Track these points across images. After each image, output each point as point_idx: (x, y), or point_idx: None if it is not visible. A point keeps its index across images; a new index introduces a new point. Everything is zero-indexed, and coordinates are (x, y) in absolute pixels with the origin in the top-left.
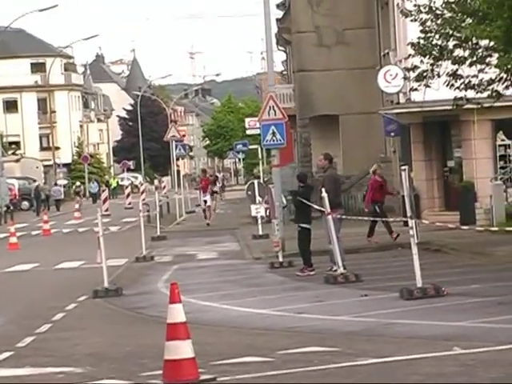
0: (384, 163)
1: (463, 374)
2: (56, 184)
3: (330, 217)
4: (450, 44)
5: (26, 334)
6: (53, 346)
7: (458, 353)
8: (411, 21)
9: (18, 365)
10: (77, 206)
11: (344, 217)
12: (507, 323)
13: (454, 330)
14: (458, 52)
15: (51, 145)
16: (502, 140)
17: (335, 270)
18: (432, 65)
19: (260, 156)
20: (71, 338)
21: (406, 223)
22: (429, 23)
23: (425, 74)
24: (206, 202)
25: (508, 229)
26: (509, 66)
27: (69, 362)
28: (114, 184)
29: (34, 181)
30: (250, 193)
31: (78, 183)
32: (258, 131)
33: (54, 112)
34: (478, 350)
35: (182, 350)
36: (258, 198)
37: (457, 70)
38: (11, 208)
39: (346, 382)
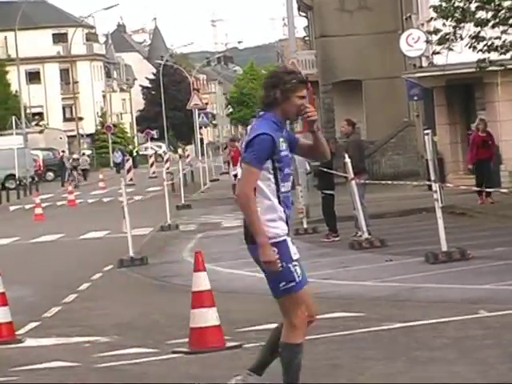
0: (408, 127)
1: (489, 337)
2: (83, 154)
3: (353, 182)
4: (473, 6)
5: (53, 304)
6: (79, 316)
7: (483, 316)
8: None
9: (45, 335)
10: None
11: (368, 182)
12: None
13: (480, 293)
14: (481, 14)
15: (74, 115)
16: None
17: (360, 236)
18: (454, 27)
19: None
20: (97, 307)
21: (430, 187)
22: None
23: (447, 36)
24: (236, 176)
25: None
26: None
27: (95, 332)
28: (133, 153)
29: (63, 151)
30: None
31: (75, 155)
32: None
33: (77, 82)
34: (504, 312)
35: (208, 317)
36: None
37: (479, 32)
38: (36, 179)
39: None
